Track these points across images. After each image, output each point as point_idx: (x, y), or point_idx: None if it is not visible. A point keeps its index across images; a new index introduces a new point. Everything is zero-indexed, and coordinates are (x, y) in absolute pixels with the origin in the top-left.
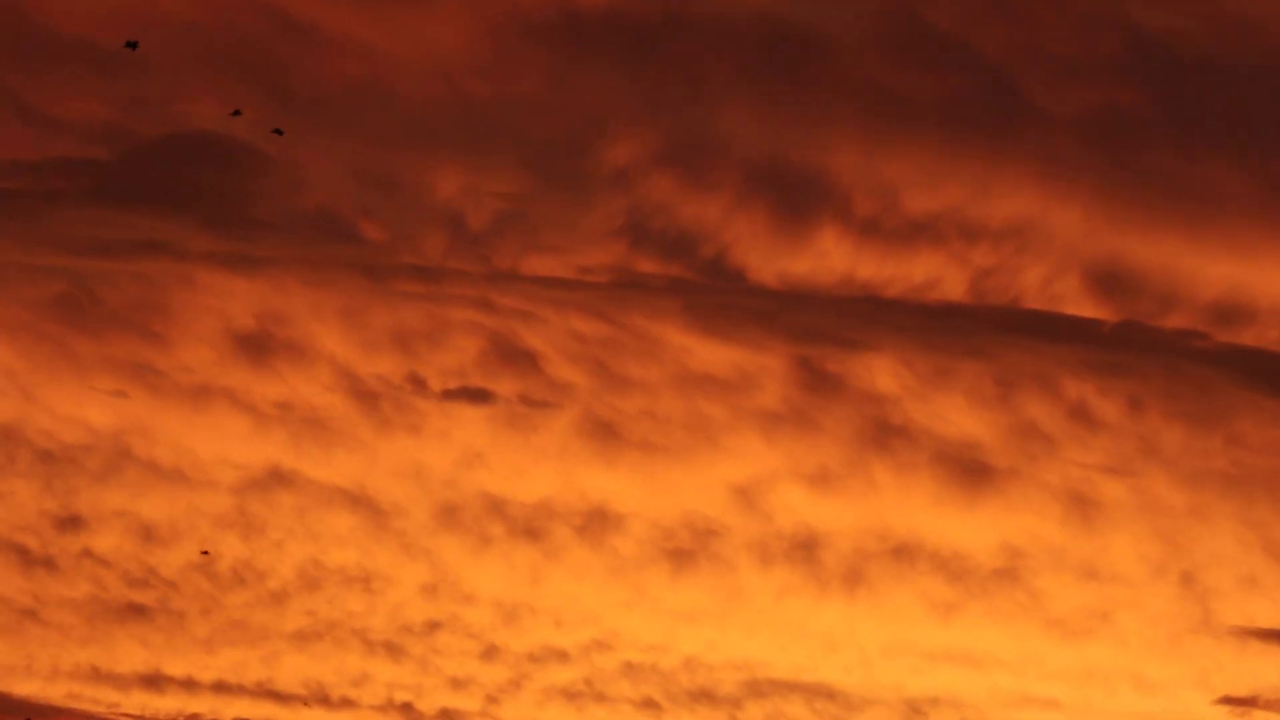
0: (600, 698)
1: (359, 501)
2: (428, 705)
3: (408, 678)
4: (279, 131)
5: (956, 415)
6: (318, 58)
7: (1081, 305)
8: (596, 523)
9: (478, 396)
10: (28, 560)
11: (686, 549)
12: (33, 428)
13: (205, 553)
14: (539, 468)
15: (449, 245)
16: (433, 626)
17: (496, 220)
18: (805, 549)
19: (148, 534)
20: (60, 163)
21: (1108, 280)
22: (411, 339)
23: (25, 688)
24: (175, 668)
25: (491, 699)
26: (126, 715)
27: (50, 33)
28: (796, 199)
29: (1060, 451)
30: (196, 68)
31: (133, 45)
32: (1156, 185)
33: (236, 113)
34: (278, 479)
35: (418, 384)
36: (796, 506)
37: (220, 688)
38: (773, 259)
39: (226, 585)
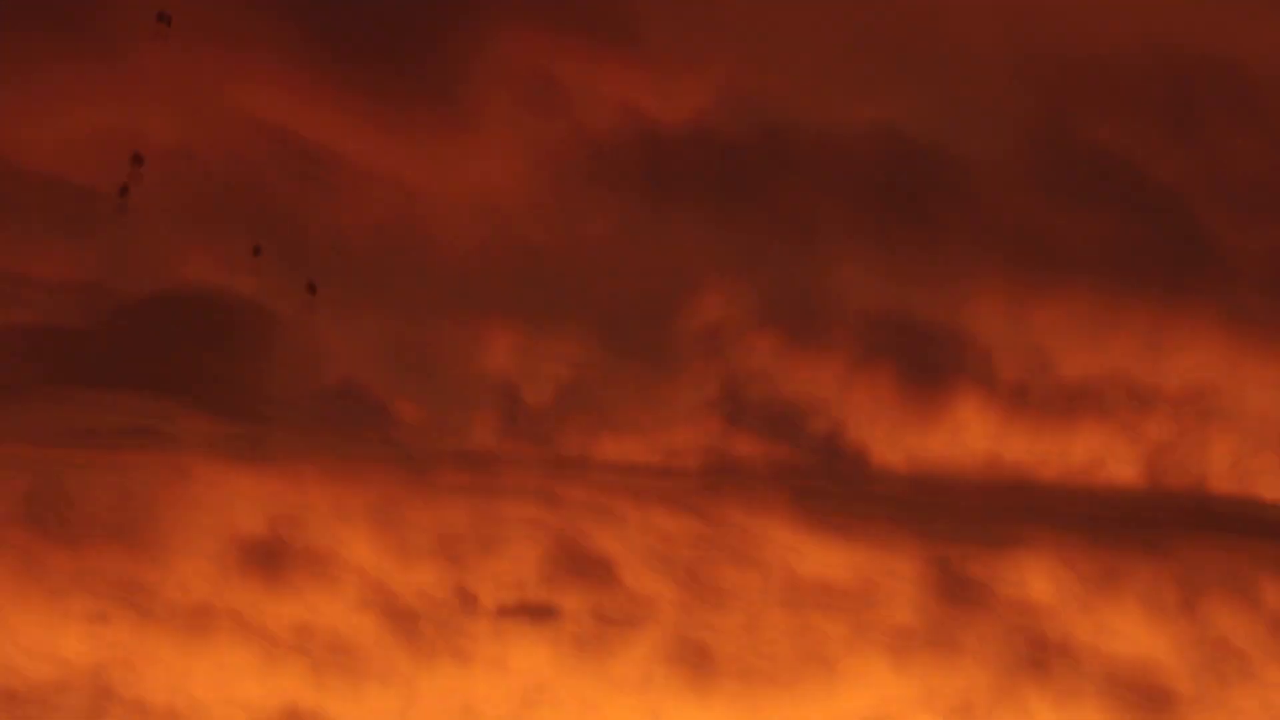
0: None
1: None
2: None
3: None
4: (312, 290)
5: (1130, 629)
6: (340, 197)
7: None
8: None
9: (540, 614)
10: None
11: None
12: None
13: None
14: (616, 702)
15: (502, 427)
16: None
17: (560, 395)
18: None
19: None
20: (22, 331)
21: None
22: (458, 544)
23: None
24: None
25: None
26: None
27: (7, 169)
28: (927, 364)
29: (1259, 673)
30: (190, 211)
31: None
32: None
33: (257, 250)
34: None
35: (467, 600)
36: None
37: None
38: (900, 437)
39: None
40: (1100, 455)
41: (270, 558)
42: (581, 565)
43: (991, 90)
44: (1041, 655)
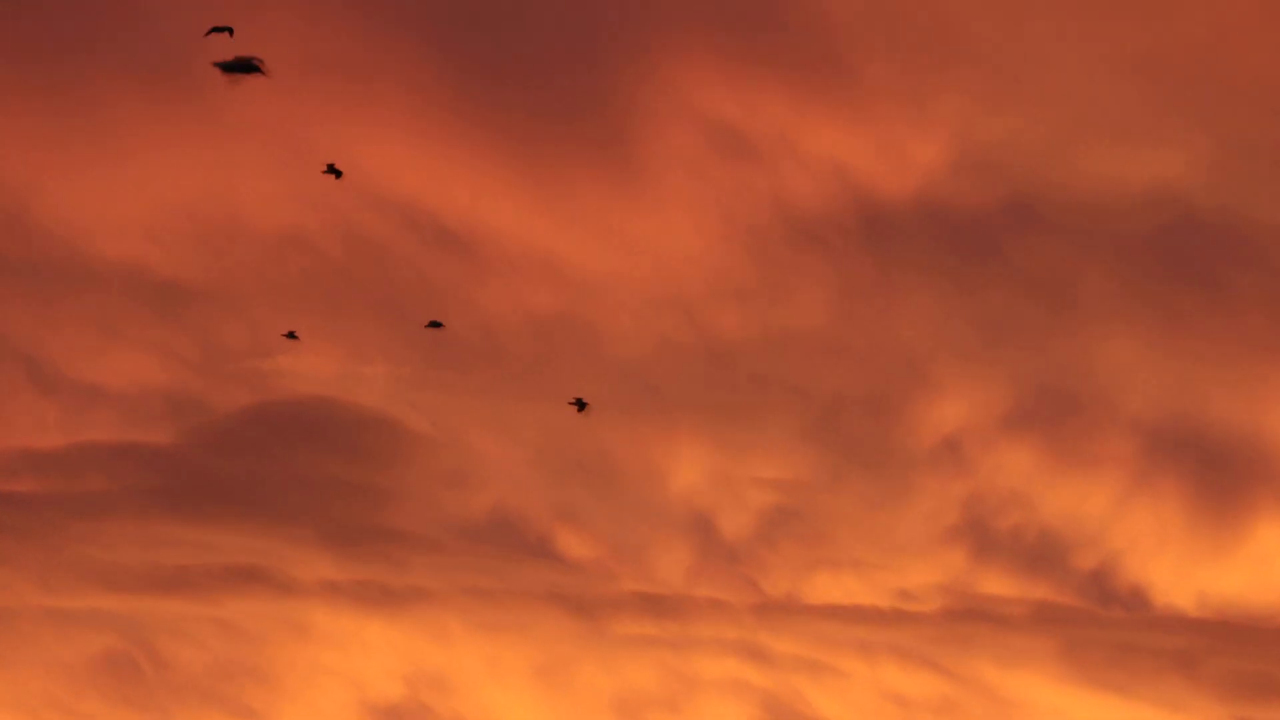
0: None
1: None
2: None
3: None
4: (292, 335)
5: None
6: (489, 283)
7: None
8: None
9: None
10: None
11: None
12: None
13: None
14: None
15: (694, 563)
16: None
17: (764, 523)
18: None
19: None
20: (101, 452)
21: None
22: (644, 710)
23: None
24: None
25: None
26: None
27: (85, 264)
28: (1222, 476)
29: None
30: (302, 302)
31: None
32: None
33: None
34: None
35: None
36: None
37: None
38: (1190, 572)
39: None
40: None
41: None
42: None
43: None
44: None
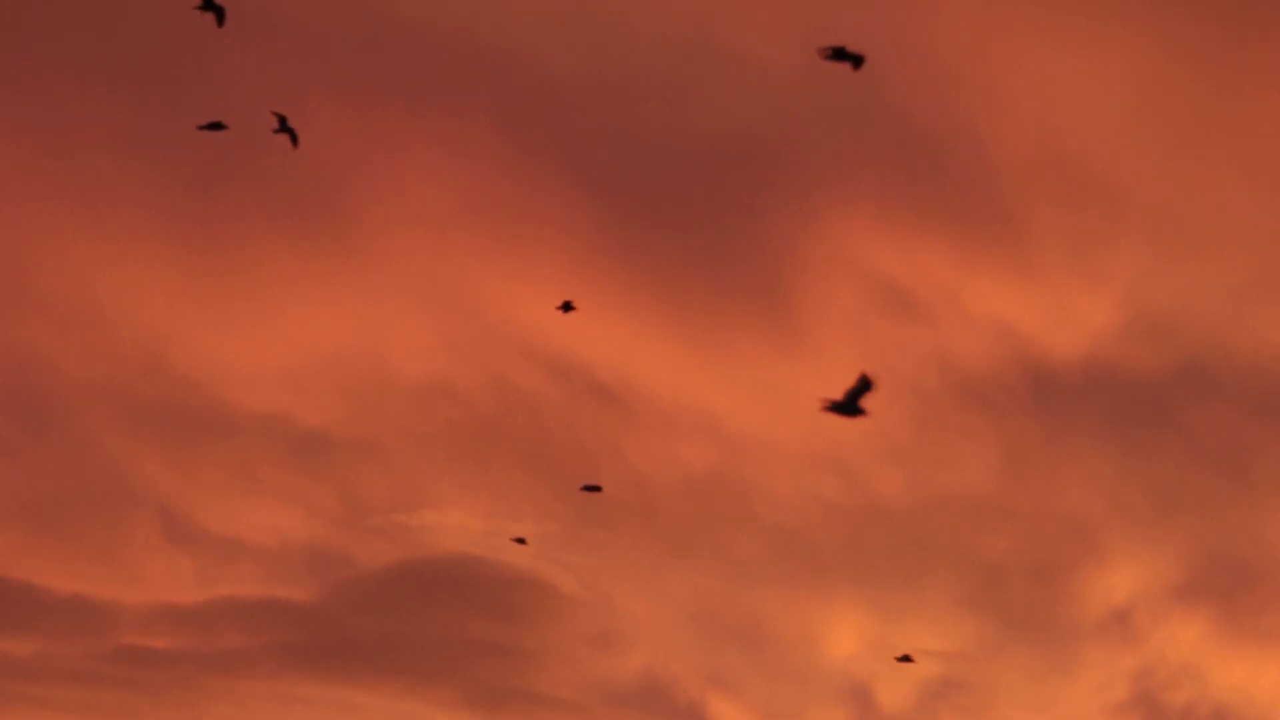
0: None
1: None
2: None
3: None
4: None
5: None
6: (642, 440)
7: None
8: None
9: None
10: None
11: None
12: None
13: None
14: None
15: None
16: None
17: (925, 693)
18: None
19: None
20: (239, 607)
21: None
22: None
23: None
24: None
25: None
26: None
27: (224, 412)
28: None
29: None
30: (446, 451)
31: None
32: None
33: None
34: None
35: None
36: None
37: None
38: None
39: None
40: None
41: None
42: None
43: None
44: None
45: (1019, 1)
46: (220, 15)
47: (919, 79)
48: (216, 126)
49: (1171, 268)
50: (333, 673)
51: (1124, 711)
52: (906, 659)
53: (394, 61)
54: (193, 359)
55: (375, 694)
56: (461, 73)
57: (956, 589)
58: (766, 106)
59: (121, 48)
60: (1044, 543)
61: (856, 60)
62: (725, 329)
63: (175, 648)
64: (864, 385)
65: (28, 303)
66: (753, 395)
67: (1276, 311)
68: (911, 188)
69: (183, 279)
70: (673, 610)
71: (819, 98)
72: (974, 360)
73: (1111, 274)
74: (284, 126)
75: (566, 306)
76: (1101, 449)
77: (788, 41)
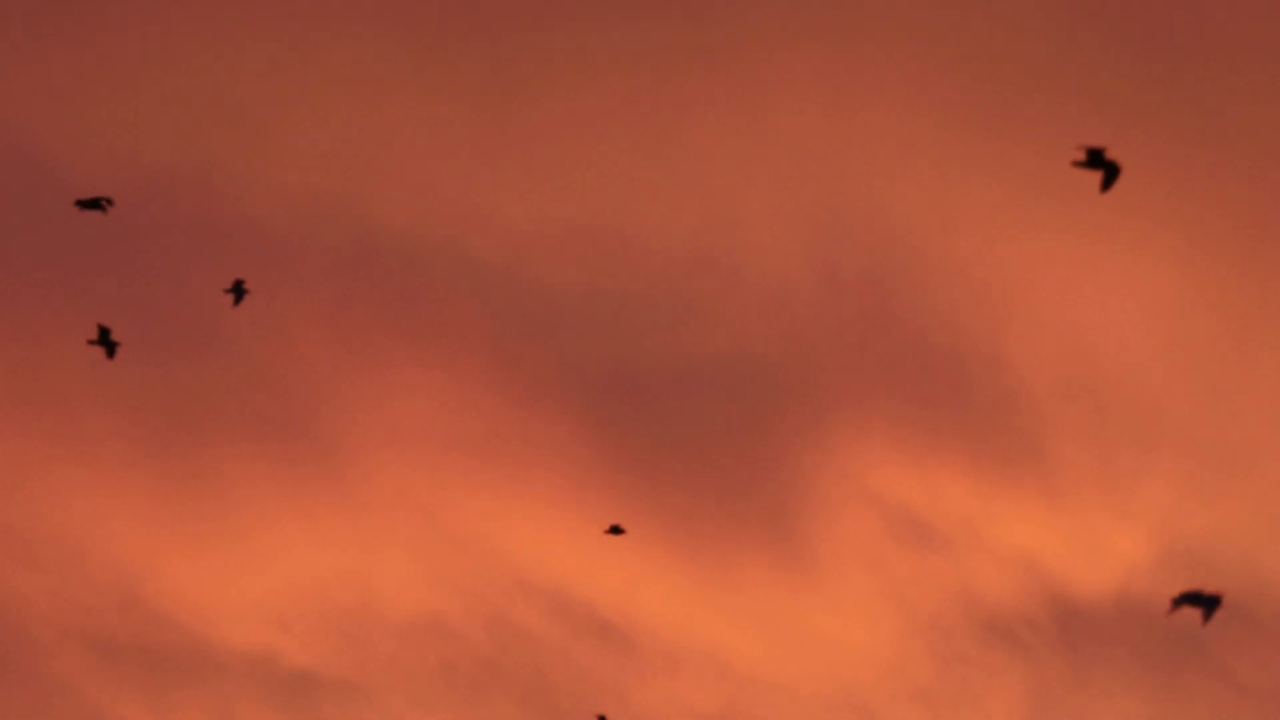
0: None
1: None
2: None
3: None
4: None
5: None
6: (647, 682)
7: None
8: None
9: None
10: None
11: None
12: None
13: None
14: None
15: None
16: None
17: None
18: None
19: None
20: None
21: None
22: None
23: None
24: None
25: None
26: None
27: (204, 651)
28: None
29: None
30: (438, 696)
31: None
32: None
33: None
34: None
35: None
36: None
37: None
38: None
39: None
40: None
41: None
42: None
43: None
44: None
45: (1041, 222)
46: (239, 296)
47: (936, 298)
48: (96, 204)
49: (1205, 498)
50: None
51: None
52: None
53: (379, 275)
54: (169, 594)
55: None
56: (452, 288)
57: None
58: (774, 325)
59: (94, 269)
60: None
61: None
62: (733, 561)
63: None
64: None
65: None
66: (764, 632)
67: None
68: (929, 411)
69: (158, 510)
70: None
71: (830, 316)
72: (998, 594)
73: (1142, 504)
74: (237, 289)
75: (615, 530)
76: (1134, 690)
77: (796, 258)
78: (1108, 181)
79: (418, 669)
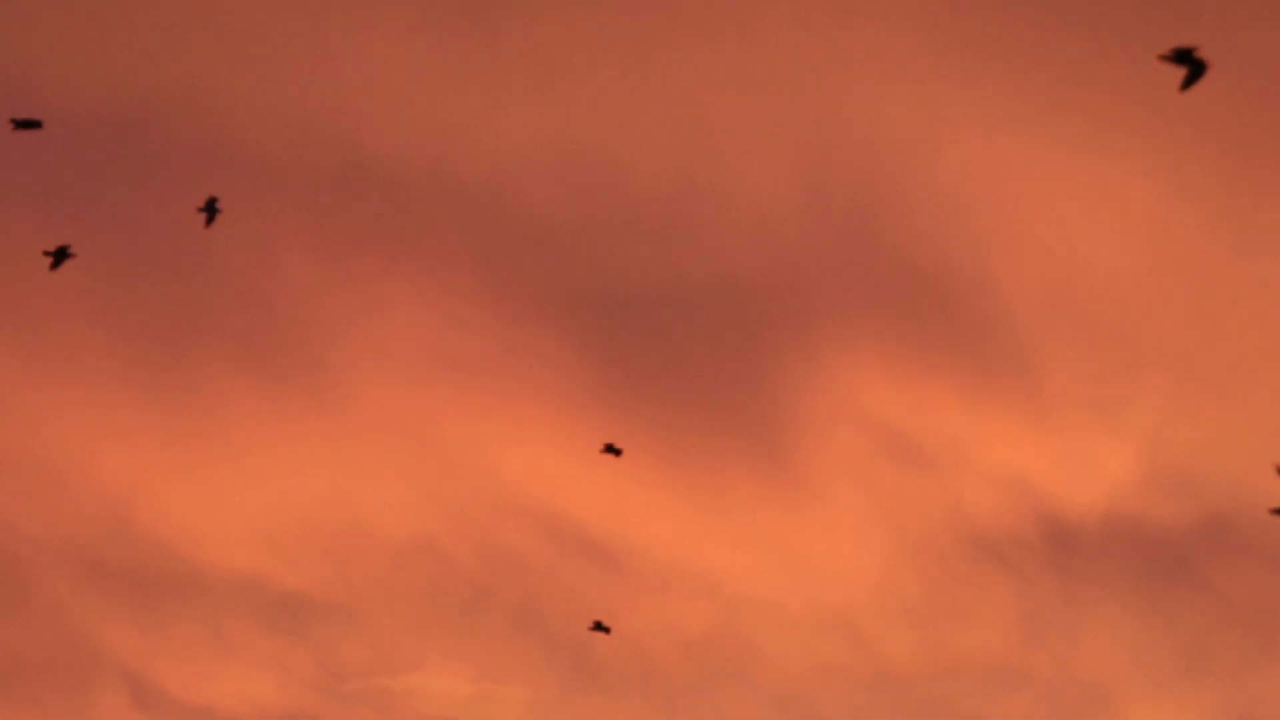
0: None
1: None
2: None
3: None
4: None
5: None
6: (640, 602)
7: None
8: None
9: None
10: None
11: None
12: None
13: None
14: None
15: None
16: None
17: None
18: None
19: None
20: None
21: None
22: None
23: None
24: None
25: None
26: None
27: (194, 574)
28: None
29: None
30: (427, 618)
31: None
32: None
33: (614, 449)
34: None
35: None
36: None
37: None
38: None
39: None
40: None
41: None
42: None
43: None
44: None
45: (1026, 140)
46: (212, 215)
47: (922, 218)
48: (31, 124)
49: (1194, 416)
50: None
51: None
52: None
53: (366, 200)
54: (159, 518)
55: None
56: (439, 213)
57: None
58: (762, 247)
59: (78, 189)
60: (1062, 705)
61: (1195, 68)
62: (723, 481)
63: None
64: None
65: None
66: (753, 551)
67: None
68: (917, 331)
69: (147, 431)
70: None
71: (818, 238)
72: (987, 513)
73: (1130, 422)
74: (209, 207)
75: (610, 449)
76: (1121, 606)
77: (783, 180)
78: (1189, 80)
79: (407, 590)
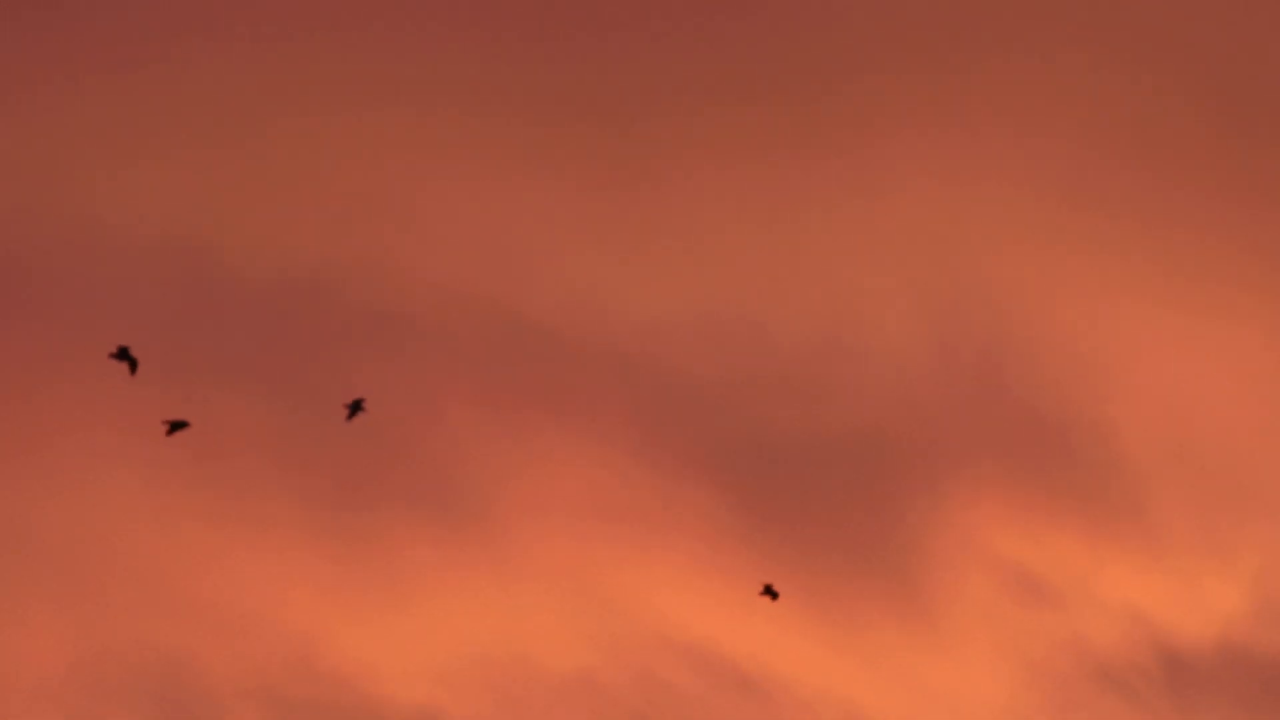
0: None
1: None
2: None
3: None
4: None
5: None
6: None
7: None
8: None
9: None
10: None
11: None
12: None
13: None
14: None
15: None
16: None
17: None
18: None
19: None
20: None
21: None
22: None
23: None
24: None
25: None
26: None
27: (373, 708)
28: None
29: None
30: None
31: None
32: None
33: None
34: None
35: None
36: None
37: None
38: None
39: None
40: None
41: None
42: None
43: None
44: None
45: (1144, 295)
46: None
47: (1046, 370)
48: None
49: None
50: None
51: None
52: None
53: (529, 363)
54: (340, 655)
55: None
56: (595, 372)
57: None
58: (896, 400)
59: (267, 349)
60: None
61: None
62: (862, 618)
63: None
64: None
65: (175, 603)
66: (892, 684)
67: None
68: (1039, 474)
69: (328, 575)
70: None
71: (947, 390)
72: (1107, 645)
73: (1241, 558)
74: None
75: (769, 592)
76: None
77: (916, 336)
78: None
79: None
